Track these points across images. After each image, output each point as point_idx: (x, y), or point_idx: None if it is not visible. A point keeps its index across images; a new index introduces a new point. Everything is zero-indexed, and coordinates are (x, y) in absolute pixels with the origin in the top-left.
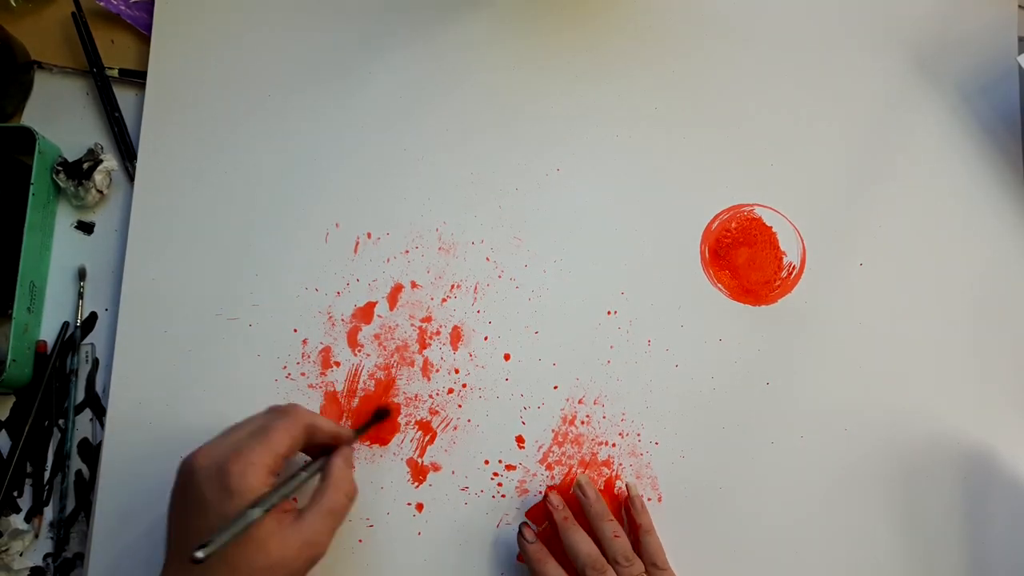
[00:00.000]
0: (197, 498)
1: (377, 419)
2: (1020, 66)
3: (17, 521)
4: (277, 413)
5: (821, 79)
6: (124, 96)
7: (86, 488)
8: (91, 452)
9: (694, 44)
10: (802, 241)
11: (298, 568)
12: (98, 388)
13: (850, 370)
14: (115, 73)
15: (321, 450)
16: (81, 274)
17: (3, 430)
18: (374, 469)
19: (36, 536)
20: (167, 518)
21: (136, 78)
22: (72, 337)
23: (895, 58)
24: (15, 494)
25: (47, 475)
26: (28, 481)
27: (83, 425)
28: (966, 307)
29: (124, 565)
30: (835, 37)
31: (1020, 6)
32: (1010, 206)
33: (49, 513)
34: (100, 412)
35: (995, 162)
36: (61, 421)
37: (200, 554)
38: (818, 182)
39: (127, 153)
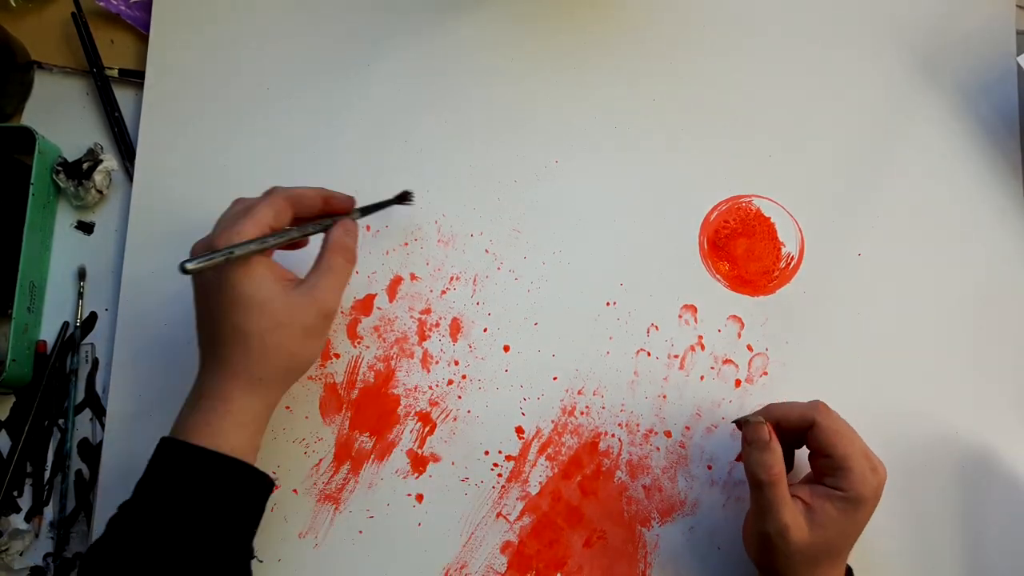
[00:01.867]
0: (198, 283)
1: (391, 202)
2: (1020, 66)
3: (17, 521)
4: (262, 194)
5: (821, 74)
6: (124, 96)
7: (86, 488)
8: (91, 452)
9: (693, 36)
10: (801, 232)
11: (311, 324)
12: (98, 388)
13: (848, 359)
14: (115, 73)
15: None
16: (81, 274)
17: (3, 430)
18: (374, 460)
19: (36, 536)
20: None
21: (136, 78)
22: (72, 337)
23: (895, 57)
24: (15, 494)
25: (47, 475)
26: (28, 481)
27: (83, 425)
28: (964, 303)
29: None
30: (835, 33)
31: (1019, 6)
32: (1009, 205)
33: (49, 513)
34: (100, 412)
35: (994, 161)
36: (61, 421)
37: (190, 265)
38: (817, 174)
39: (127, 153)
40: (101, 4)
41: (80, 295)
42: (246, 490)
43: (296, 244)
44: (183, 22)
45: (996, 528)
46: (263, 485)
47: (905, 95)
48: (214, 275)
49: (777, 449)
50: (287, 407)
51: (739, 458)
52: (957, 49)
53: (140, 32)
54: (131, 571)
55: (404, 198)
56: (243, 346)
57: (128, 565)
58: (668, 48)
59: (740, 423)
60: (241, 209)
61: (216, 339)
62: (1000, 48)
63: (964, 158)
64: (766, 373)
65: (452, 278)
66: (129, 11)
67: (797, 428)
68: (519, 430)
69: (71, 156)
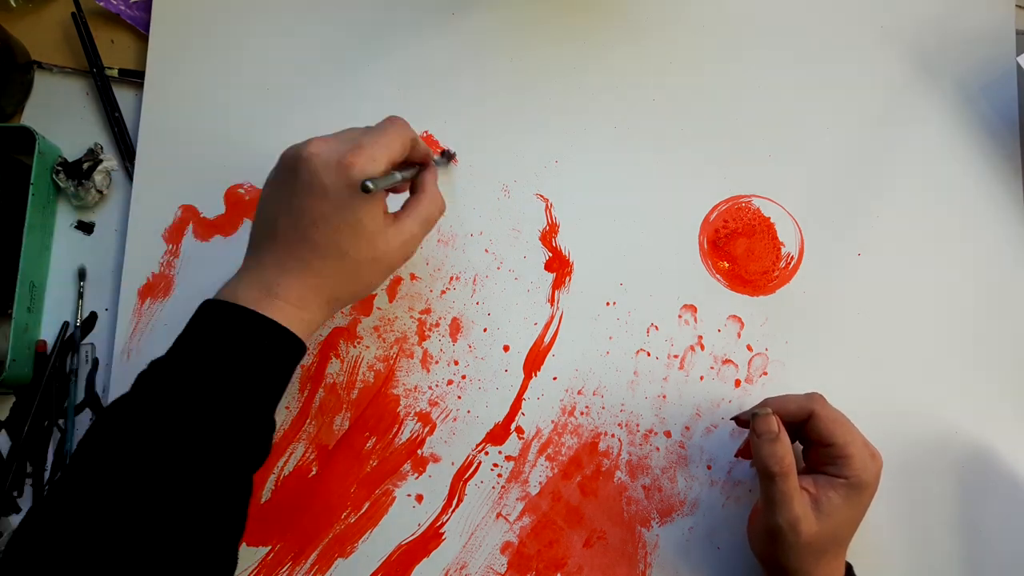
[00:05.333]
0: (313, 183)
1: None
2: (1020, 66)
3: (17, 521)
4: (388, 121)
5: (820, 74)
6: (124, 96)
7: None
8: None
9: (693, 36)
10: (800, 232)
11: (393, 264)
12: (98, 388)
13: (848, 360)
14: (115, 73)
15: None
16: (81, 274)
17: (3, 430)
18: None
19: None
20: (261, 203)
21: (136, 78)
22: (72, 337)
23: (895, 57)
24: (15, 494)
25: (47, 475)
26: (28, 481)
27: (83, 425)
28: (964, 303)
29: None
30: (835, 33)
31: (1019, 6)
32: (1009, 205)
33: None
34: (100, 412)
35: (994, 161)
36: (61, 421)
37: (370, 184)
38: (817, 174)
39: (127, 153)
40: (101, 4)
41: (80, 295)
42: (288, 358)
43: (397, 188)
44: (183, 22)
45: (995, 527)
46: (299, 352)
47: (905, 95)
48: (341, 191)
49: (787, 440)
50: (286, 407)
51: (739, 454)
52: (957, 49)
53: (140, 32)
54: (153, 425)
55: (448, 156)
56: (338, 267)
57: (151, 419)
58: (668, 49)
59: (743, 418)
60: (371, 130)
61: (307, 246)
62: (1000, 48)
63: (964, 158)
64: (766, 373)
65: (452, 278)
66: (129, 11)
67: (794, 420)
68: (519, 430)
69: (71, 156)
